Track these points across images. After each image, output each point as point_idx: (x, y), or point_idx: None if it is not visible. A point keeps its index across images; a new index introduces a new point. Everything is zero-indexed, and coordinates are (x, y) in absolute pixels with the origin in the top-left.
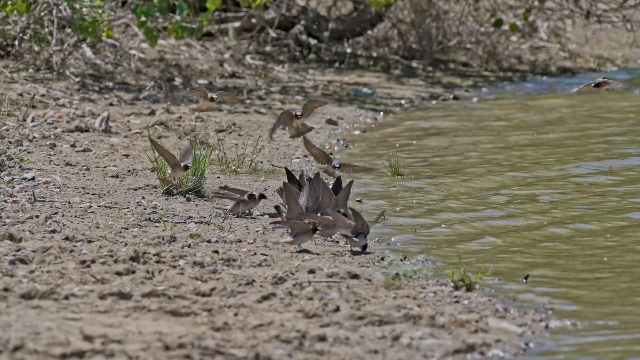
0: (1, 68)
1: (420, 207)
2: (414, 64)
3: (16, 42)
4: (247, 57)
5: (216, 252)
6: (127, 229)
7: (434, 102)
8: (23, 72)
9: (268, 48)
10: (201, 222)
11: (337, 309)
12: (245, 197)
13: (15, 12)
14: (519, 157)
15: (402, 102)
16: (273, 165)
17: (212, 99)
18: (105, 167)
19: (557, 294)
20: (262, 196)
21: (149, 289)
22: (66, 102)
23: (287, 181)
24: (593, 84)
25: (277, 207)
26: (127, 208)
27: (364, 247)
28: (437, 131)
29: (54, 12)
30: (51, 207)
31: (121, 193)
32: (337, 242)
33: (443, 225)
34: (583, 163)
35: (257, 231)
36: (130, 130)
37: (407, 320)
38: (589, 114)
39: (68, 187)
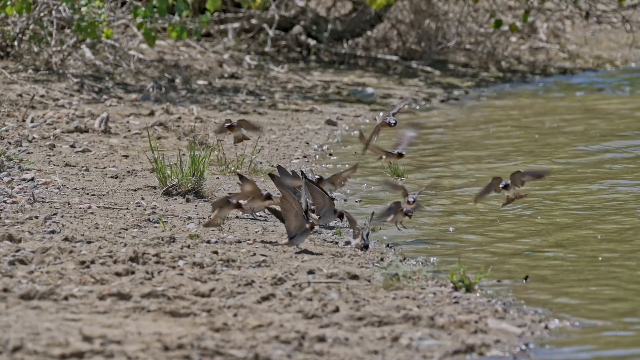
0: (0, 69)
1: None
2: (414, 64)
3: (15, 43)
4: (247, 58)
5: (215, 252)
6: (126, 229)
7: (433, 102)
8: (22, 73)
9: (267, 49)
10: (200, 223)
11: (337, 310)
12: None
13: (14, 12)
14: (518, 158)
15: None
16: (272, 166)
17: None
18: (104, 167)
19: (557, 294)
20: (268, 196)
21: (148, 290)
22: (65, 103)
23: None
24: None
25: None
26: (127, 209)
27: (365, 247)
28: (436, 132)
29: (54, 12)
30: (50, 207)
31: (120, 194)
32: (337, 242)
33: (442, 226)
34: (583, 163)
35: (256, 232)
36: (129, 130)
37: (406, 321)
38: (589, 113)
39: (67, 187)
